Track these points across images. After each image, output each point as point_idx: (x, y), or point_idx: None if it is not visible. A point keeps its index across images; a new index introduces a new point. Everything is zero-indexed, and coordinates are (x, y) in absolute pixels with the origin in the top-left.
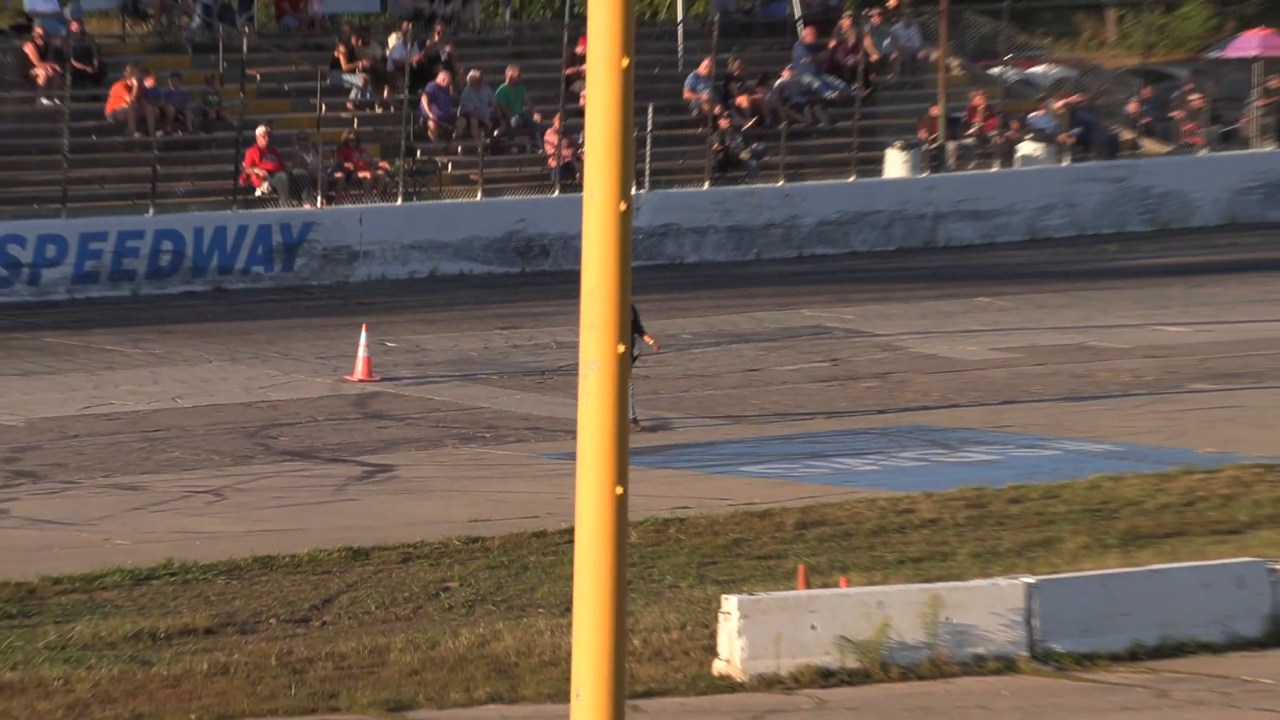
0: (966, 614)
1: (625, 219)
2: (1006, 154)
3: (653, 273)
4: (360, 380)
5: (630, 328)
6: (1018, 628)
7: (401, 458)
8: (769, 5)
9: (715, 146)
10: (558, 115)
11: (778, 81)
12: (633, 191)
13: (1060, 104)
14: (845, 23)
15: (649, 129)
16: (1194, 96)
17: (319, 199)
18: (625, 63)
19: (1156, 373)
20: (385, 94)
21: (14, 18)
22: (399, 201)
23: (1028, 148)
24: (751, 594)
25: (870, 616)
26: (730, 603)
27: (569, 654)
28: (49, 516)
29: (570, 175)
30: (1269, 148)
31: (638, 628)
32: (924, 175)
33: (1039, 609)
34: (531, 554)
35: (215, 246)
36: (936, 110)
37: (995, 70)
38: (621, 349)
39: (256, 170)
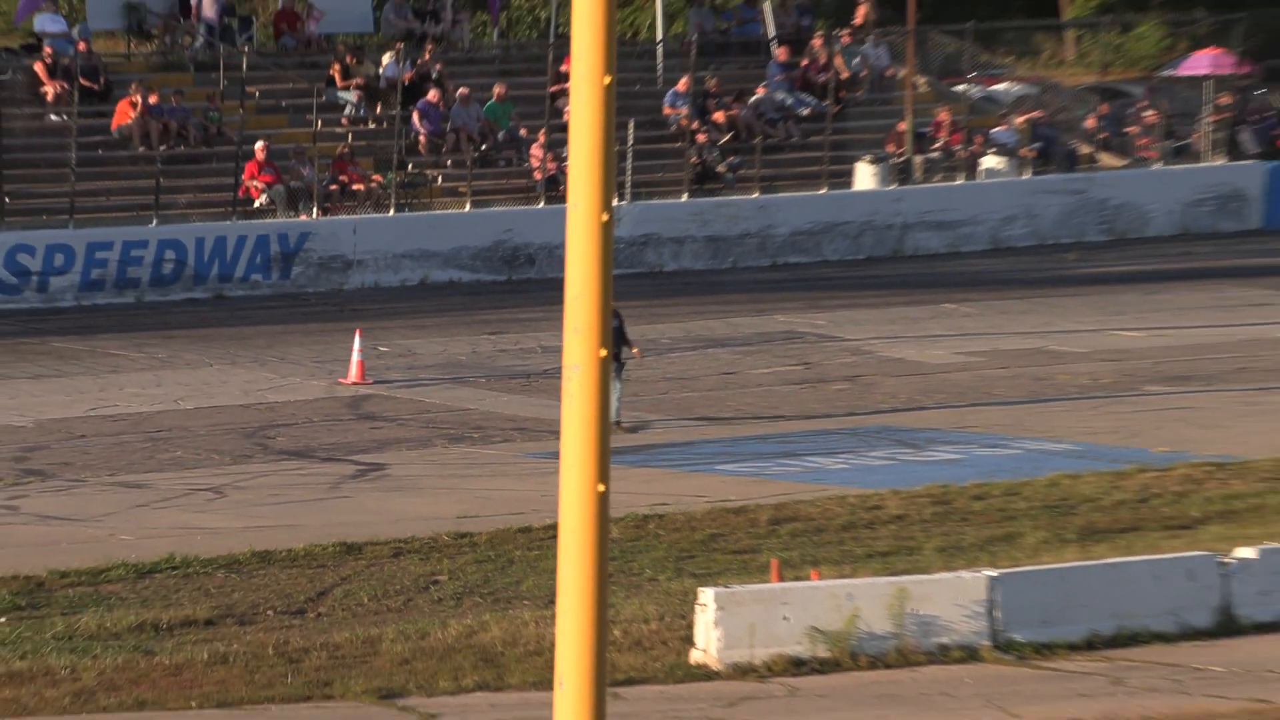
0: (932, 606)
1: (607, 229)
2: (970, 167)
3: (633, 280)
4: (354, 383)
5: (612, 334)
6: (980, 619)
7: (393, 457)
8: (744, 25)
9: (693, 160)
10: (543, 130)
11: (753, 98)
12: (614, 203)
13: (1021, 120)
14: (817, 42)
15: (630, 143)
16: (1148, 113)
17: (315, 210)
18: (607, 80)
19: (1113, 376)
20: (378, 110)
21: (24, 37)
22: (391, 212)
23: (990, 161)
24: (727, 587)
25: (840, 608)
26: (707, 595)
27: (553, 644)
28: (56, 513)
29: (554, 187)
30: (1220, 162)
31: (618, 619)
32: (892, 187)
33: (1000, 601)
34: (517, 549)
35: (216, 255)
36: (904, 125)
37: (959, 87)
38: (603, 353)
39: (255, 183)
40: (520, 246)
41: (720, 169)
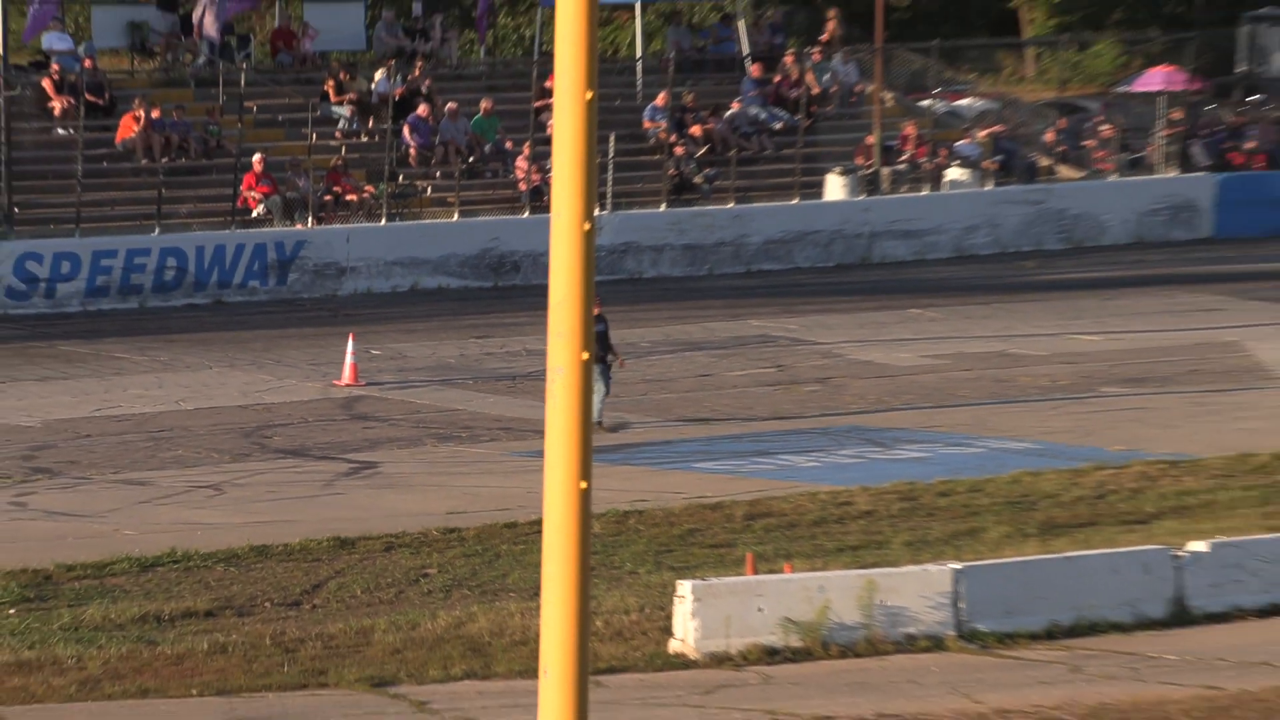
0: (899, 597)
1: (589, 238)
2: (935, 179)
3: (614, 287)
4: (347, 385)
5: (597, 337)
6: (945, 609)
7: (385, 455)
8: (720, 43)
9: (671, 171)
10: (527, 143)
11: (728, 112)
12: (595, 212)
13: (984, 133)
14: (789, 60)
15: (610, 155)
16: (1105, 127)
17: (310, 220)
18: (589, 95)
19: (1071, 378)
20: (370, 124)
21: (32, 55)
22: (383, 222)
23: (954, 173)
24: (704, 579)
25: (812, 600)
26: (685, 587)
27: (538, 634)
28: (63, 509)
29: (539, 198)
30: (1172, 174)
31: (600, 610)
32: (861, 198)
33: (965, 592)
34: (503, 543)
35: (215, 263)
36: (872, 139)
37: (925, 103)
38: (585, 356)
39: (253, 193)
40: (506, 254)
41: (697, 180)
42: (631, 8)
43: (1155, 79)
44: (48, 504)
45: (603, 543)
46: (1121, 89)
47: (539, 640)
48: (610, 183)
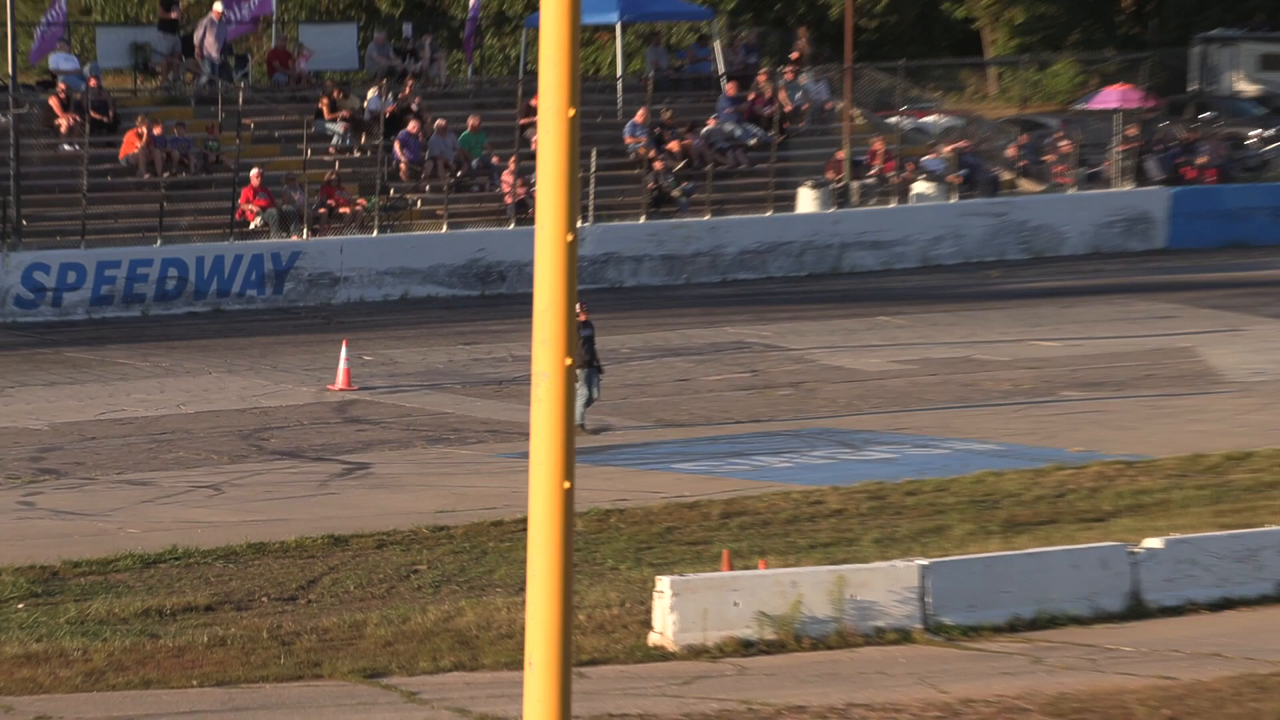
0: (869, 592)
1: (572, 248)
2: (902, 192)
3: (596, 295)
4: (341, 389)
5: (585, 343)
6: (913, 604)
7: (377, 457)
8: (696, 63)
9: (650, 185)
10: (513, 158)
11: (704, 129)
12: (578, 224)
13: (949, 149)
14: (762, 78)
15: (592, 170)
16: (1064, 143)
17: (305, 231)
18: (571, 113)
19: (1032, 382)
20: (363, 140)
21: (40, 75)
22: (375, 233)
23: (921, 186)
24: (682, 575)
25: (785, 594)
26: (664, 583)
27: (523, 628)
28: (69, 508)
29: (524, 210)
30: (1128, 187)
31: (583, 605)
32: (831, 210)
33: (931, 587)
34: (490, 540)
35: (215, 273)
36: (842, 154)
37: (892, 119)
38: (569, 362)
39: (250, 206)
40: (493, 264)
41: (675, 193)
42: (612, 29)
43: (1111, 97)
44: (55, 503)
45: (585, 540)
46: (1079, 106)
47: (524, 633)
48: (592, 196)
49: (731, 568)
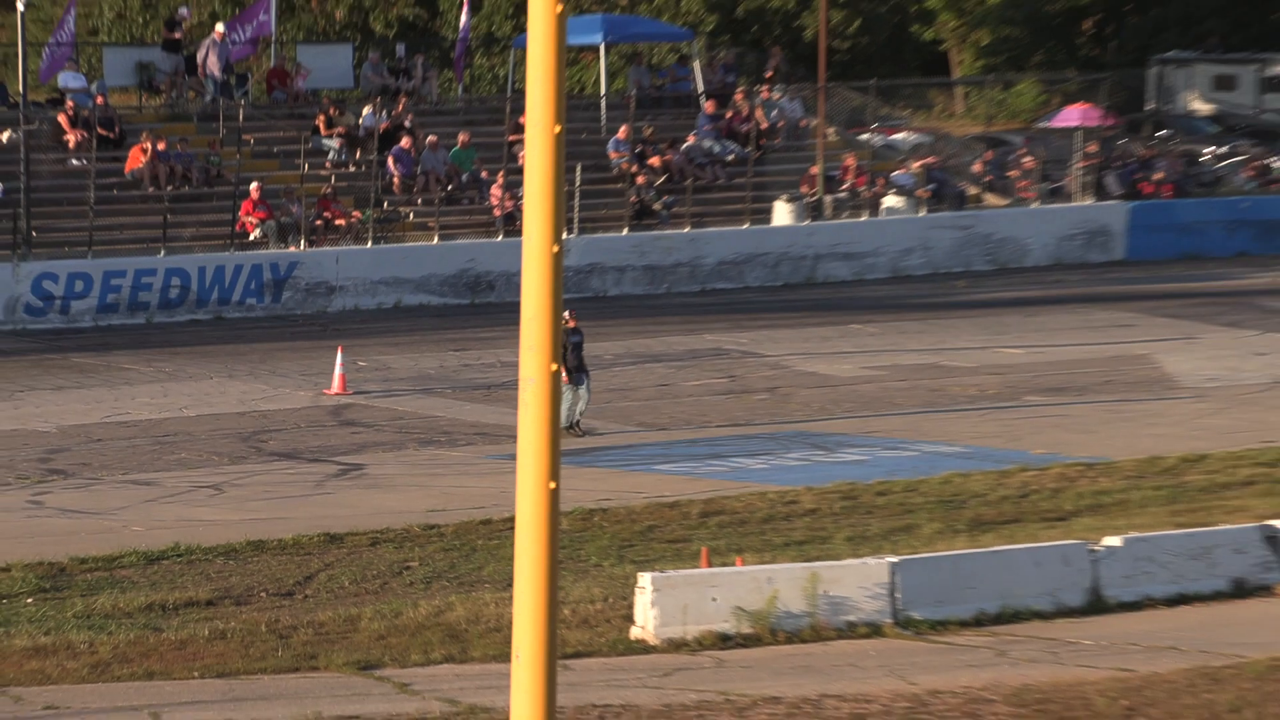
0: (841, 588)
1: (557, 259)
2: (873, 206)
3: (580, 304)
4: (336, 393)
5: (575, 348)
6: (883, 599)
7: (371, 458)
8: (677, 82)
9: (632, 199)
10: (501, 173)
11: (684, 145)
12: (563, 236)
13: (918, 164)
14: (739, 97)
15: (577, 184)
16: (1027, 159)
17: (302, 242)
18: (557, 129)
19: (997, 387)
20: (357, 155)
21: (49, 92)
22: (369, 244)
23: (891, 201)
24: (663, 572)
25: (761, 590)
26: (645, 579)
27: (510, 622)
28: (76, 507)
29: (512, 223)
30: (1088, 202)
31: (567, 600)
32: (806, 223)
33: (901, 583)
34: (479, 538)
35: (216, 282)
36: (815, 169)
37: (864, 136)
38: (554, 368)
39: (250, 219)
40: (482, 274)
41: (656, 207)
42: (596, 49)
43: (1072, 115)
44: (62, 503)
45: (570, 538)
46: (1042, 124)
47: (512, 627)
48: (577, 209)
49: (710, 565)
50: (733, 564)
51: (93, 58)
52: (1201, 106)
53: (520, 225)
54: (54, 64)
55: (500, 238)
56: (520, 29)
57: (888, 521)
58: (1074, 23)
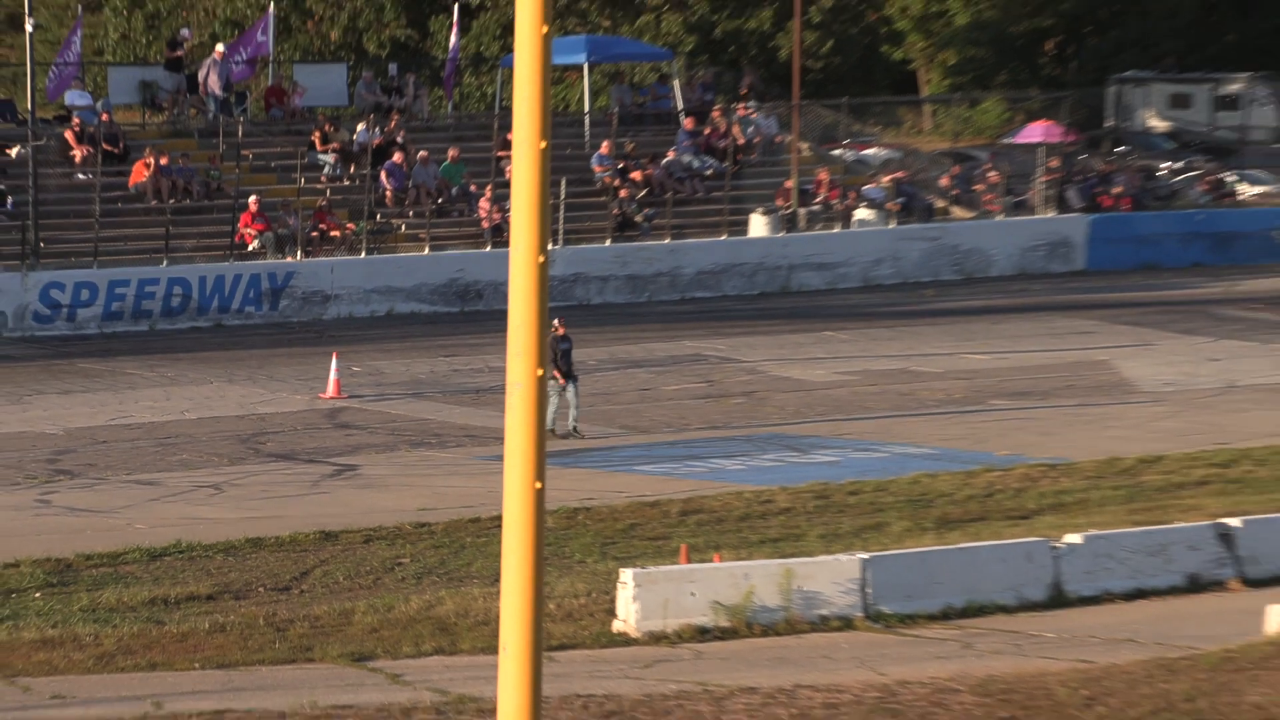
0: (814, 583)
1: (543, 269)
2: (845, 218)
3: (565, 312)
4: (331, 397)
5: (564, 355)
6: (854, 594)
7: (364, 459)
8: (657, 100)
9: (615, 211)
10: (489, 186)
11: (664, 160)
12: (549, 247)
13: (888, 179)
14: (717, 114)
15: (562, 197)
16: (992, 173)
17: (299, 253)
18: (543, 145)
19: (964, 392)
20: (352, 169)
21: (56, 110)
22: (363, 255)
23: (862, 213)
24: (644, 568)
25: (738, 585)
26: (627, 575)
27: (498, 615)
28: (82, 506)
29: (499, 234)
30: (1050, 214)
31: (553, 595)
32: (781, 235)
33: (871, 579)
34: (468, 536)
35: (216, 291)
36: (790, 183)
37: (836, 151)
38: (540, 372)
39: (249, 230)
40: (471, 283)
41: (637, 219)
42: (580, 69)
43: (1035, 132)
44: (69, 501)
45: (555, 536)
46: (1006, 140)
47: (499, 621)
48: (562, 221)
49: (689, 561)
50: (710, 560)
51: (98, 77)
52: (1158, 124)
53: (507, 236)
54: (61, 83)
55: (488, 248)
56: (507, 49)
57: (859, 520)
58: (1037, 44)
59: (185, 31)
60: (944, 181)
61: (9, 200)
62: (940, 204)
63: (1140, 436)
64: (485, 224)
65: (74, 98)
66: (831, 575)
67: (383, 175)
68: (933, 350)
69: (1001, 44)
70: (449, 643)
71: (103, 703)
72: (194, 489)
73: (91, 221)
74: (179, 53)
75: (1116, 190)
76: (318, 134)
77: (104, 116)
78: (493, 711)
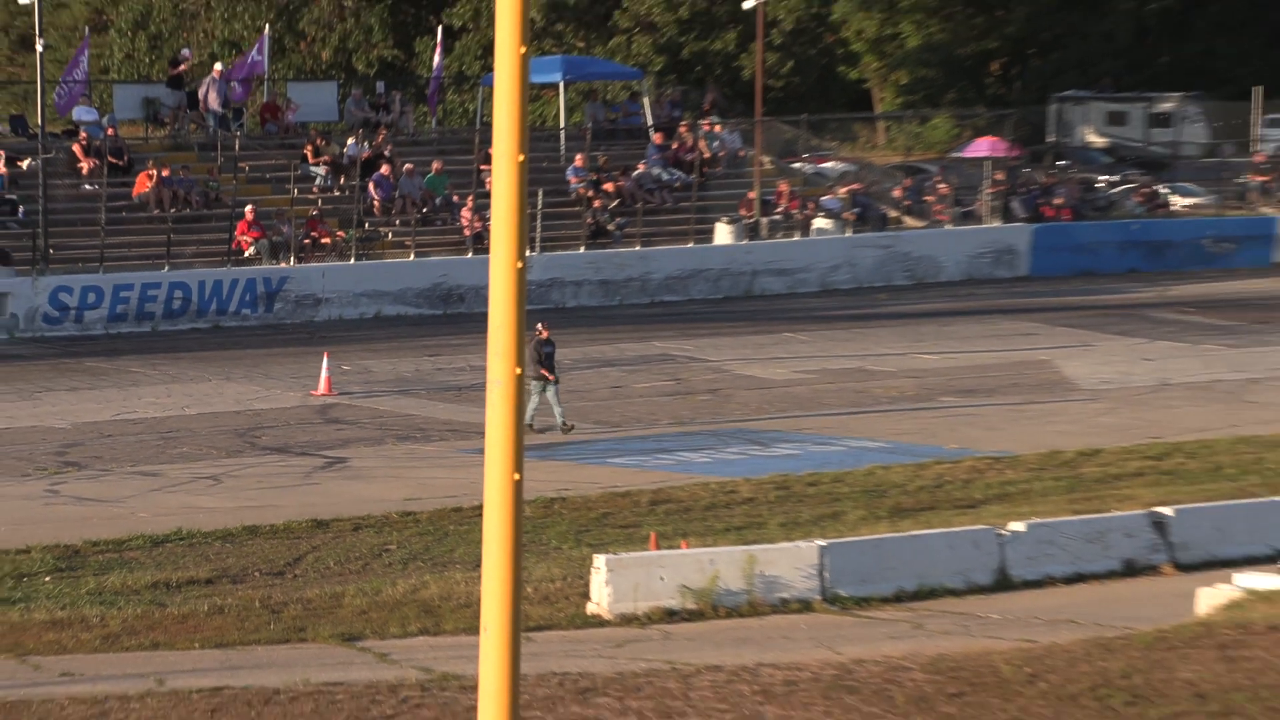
0: (775, 568)
1: (521, 274)
2: (804, 227)
3: (541, 315)
4: (323, 394)
5: (546, 356)
6: (813, 578)
7: (353, 452)
8: (629, 116)
9: (588, 220)
10: (471, 197)
11: (635, 172)
12: (527, 253)
13: (844, 190)
14: (684, 129)
15: (539, 207)
16: (942, 185)
17: (292, 259)
18: (521, 158)
19: (915, 389)
20: (341, 181)
21: (65, 125)
22: (352, 261)
23: (820, 222)
24: (615, 554)
25: (704, 570)
26: (600, 560)
27: (479, 598)
28: (89, 496)
29: (480, 241)
30: (996, 224)
31: (530, 579)
32: (744, 242)
33: (829, 564)
34: (451, 524)
35: (214, 295)
36: (753, 194)
37: (796, 165)
38: (518, 371)
39: (245, 238)
40: (454, 288)
41: (610, 227)
42: (556, 86)
43: (982, 147)
44: (77, 491)
45: (533, 524)
46: (955, 155)
47: (480, 603)
48: (539, 229)
49: (658, 547)
50: (678, 547)
51: (104, 94)
52: (1096, 139)
53: (488, 244)
54: (69, 99)
55: (470, 255)
56: (488, 69)
57: (817, 509)
58: (983, 65)
59: (186, 51)
60: (897, 193)
61: (20, 209)
62: (893, 214)
63: (1080, 431)
64: (467, 232)
65: (81, 113)
66: (791, 561)
67: (371, 186)
68: (886, 350)
69: (950, 65)
70: (433, 624)
71: (109, 680)
72: (194, 480)
73: (98, 229)
74: (180, 70)
75: (1058, 201)
76: (310, 148)
77: (109, 131)
78: (474, 688)
